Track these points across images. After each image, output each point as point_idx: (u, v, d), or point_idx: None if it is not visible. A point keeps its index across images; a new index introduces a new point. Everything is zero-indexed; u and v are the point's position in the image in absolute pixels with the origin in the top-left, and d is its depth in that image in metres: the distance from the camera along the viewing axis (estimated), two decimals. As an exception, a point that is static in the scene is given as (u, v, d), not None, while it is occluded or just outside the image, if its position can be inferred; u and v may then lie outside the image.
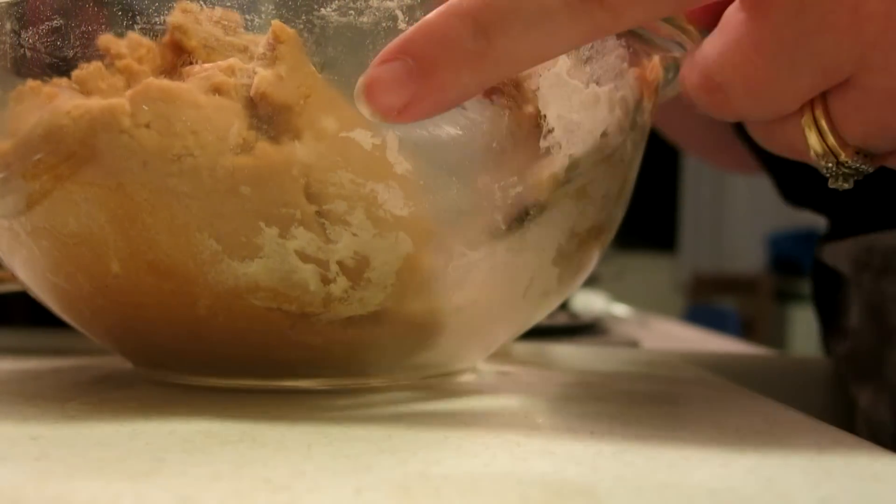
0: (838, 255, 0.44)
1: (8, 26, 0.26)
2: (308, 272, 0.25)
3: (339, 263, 0.25)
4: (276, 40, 0.24)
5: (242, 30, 0.27)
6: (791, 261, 3.06)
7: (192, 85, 0.24)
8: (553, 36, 0.22)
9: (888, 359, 0.41)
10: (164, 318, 0.27)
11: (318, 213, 0.24)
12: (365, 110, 0.23)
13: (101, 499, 0.17)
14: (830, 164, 0.25)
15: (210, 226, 0.24)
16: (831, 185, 0.25)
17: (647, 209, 3.43)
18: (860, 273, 0.42)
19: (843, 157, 0.24)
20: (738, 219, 3.42)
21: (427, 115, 0.23)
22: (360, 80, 0.22)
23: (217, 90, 0.24)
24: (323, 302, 0.25)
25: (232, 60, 0.24)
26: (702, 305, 3.01)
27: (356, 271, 0.25)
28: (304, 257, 0.25)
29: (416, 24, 0.22)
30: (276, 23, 0.24)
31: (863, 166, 0.25)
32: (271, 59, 0.24)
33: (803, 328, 2.93)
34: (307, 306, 0.26)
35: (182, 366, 0.29)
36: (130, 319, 0.27)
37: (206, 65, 0.25)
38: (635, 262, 3.07)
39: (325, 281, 0.25)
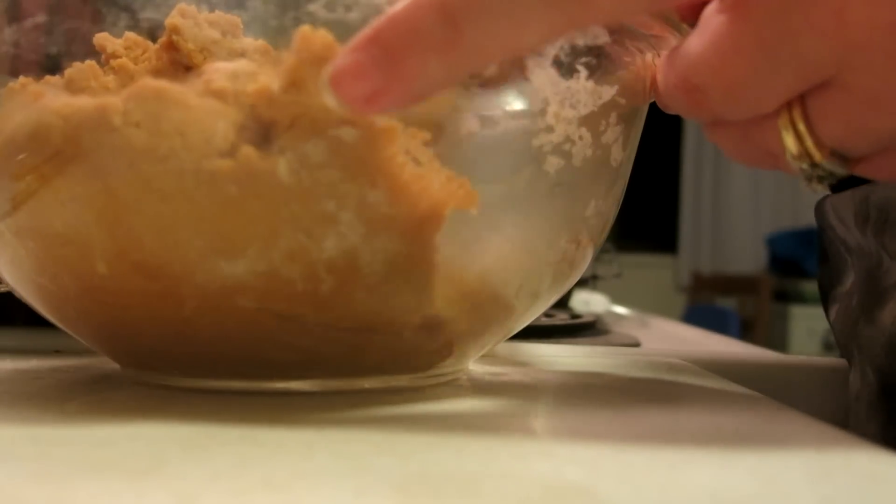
0: (840, 209, 0.43)
1: None
2: (295, 272, 0.25)
3: (327, 264, 0.25)
4: (297, 51, 0.23)
5: (240, 33, 0.27)
6: (791, 261, 3.06)
7: (188, 86, 0.24)
8: (524, 27, 0.22)
9: (876, 318, 0.40)
10: (151, 318, 0.26)
11: (307, 213, 0.24)
12: (331, 100, 0.22)
13: (101, 499, 0.17)
14: (805, 166, 0.24)
15: (195, 227, 0.24)
16: (805, 187, 0.25)
17: (647, 209, 3.43)
18: (863, 228, 0.41)
19: (818, 158, 0.24)
20: (738, 219, 3.42)
21: (395, 107, 0.23)
22: (326, 70, 0.22)
23: (214, 93, 0.24)
24: (311, 302, 0.25)
25: (239, 64, 0.24)
26: (702, 305, 3.01)
27: (344, 272, 0.25)
28: (291, 257, 0.24)
29: (384, 14, 0.22)
30: (302, 30, 0.23)
31: (837, 169, 0.25)
32: (279, 67, 0.24)
33: (803, 328, 2.93)
34: (295, 307, 0.25)
35: (169, 367, 0.29)
36: (117, 320, 0.27)
37: (216, 65, 0.24)
38: (635, 262, 3.07)
39: (313, 281, 0.25)
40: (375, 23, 0.22)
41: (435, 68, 0.22)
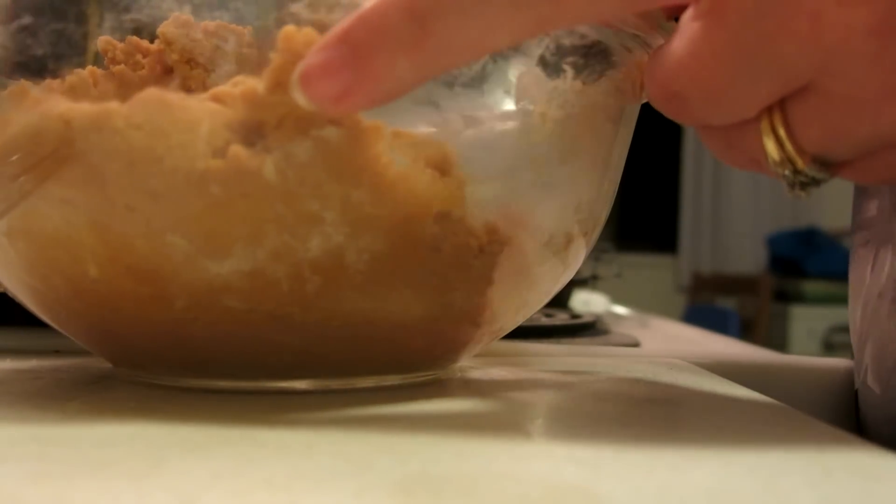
0: None
1: None
2: (281, 272, 0.25)
3: (313, 263, 0.25)
4: (281, 51, 0.23)
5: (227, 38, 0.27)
6: (791, 261, 3.06)
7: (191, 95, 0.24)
8: (493, 27, 0.22)
9: None
10: (142, 320, 0.26)
11: (292, 213, 0.24)
12: (301, 99, 0.22)
13: (101, 499, 0.17)
14: (787, 172, 0.24)
15: (184, 228, 0.24)
16: (788, 193, 0.25)
17: (647, 209, 3.43)
18: None
19: (799, 164, 0.24)
20: (738, 219, 3.42)
21: (365, 106, 0.23)
22: (296, 68, 0.22)
23: (212, 97, 0.24)
24: (298, 302, 0.25)
25: (238, 78, 0.24)
26: (702, 305, 3.01)
27: (330, 271, 0.25)
28: (276, 257, 0.24)
29: (354, 13, 0.22)
30: (286, 30, 0.23)
31: (819, 175, 0.24)
32: (264, 68, 0.24)
33: (803, 328, 2.93)
34: (283, 307, 0.25)
35: (162, 368, 0.29)
36: (108, 322, 0.27)
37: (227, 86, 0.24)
38: (635, 262, 3.07)
39: (299, 281, 0.25)
40: (345, 21, 0.22)
41: (403, 67, 0.22)
